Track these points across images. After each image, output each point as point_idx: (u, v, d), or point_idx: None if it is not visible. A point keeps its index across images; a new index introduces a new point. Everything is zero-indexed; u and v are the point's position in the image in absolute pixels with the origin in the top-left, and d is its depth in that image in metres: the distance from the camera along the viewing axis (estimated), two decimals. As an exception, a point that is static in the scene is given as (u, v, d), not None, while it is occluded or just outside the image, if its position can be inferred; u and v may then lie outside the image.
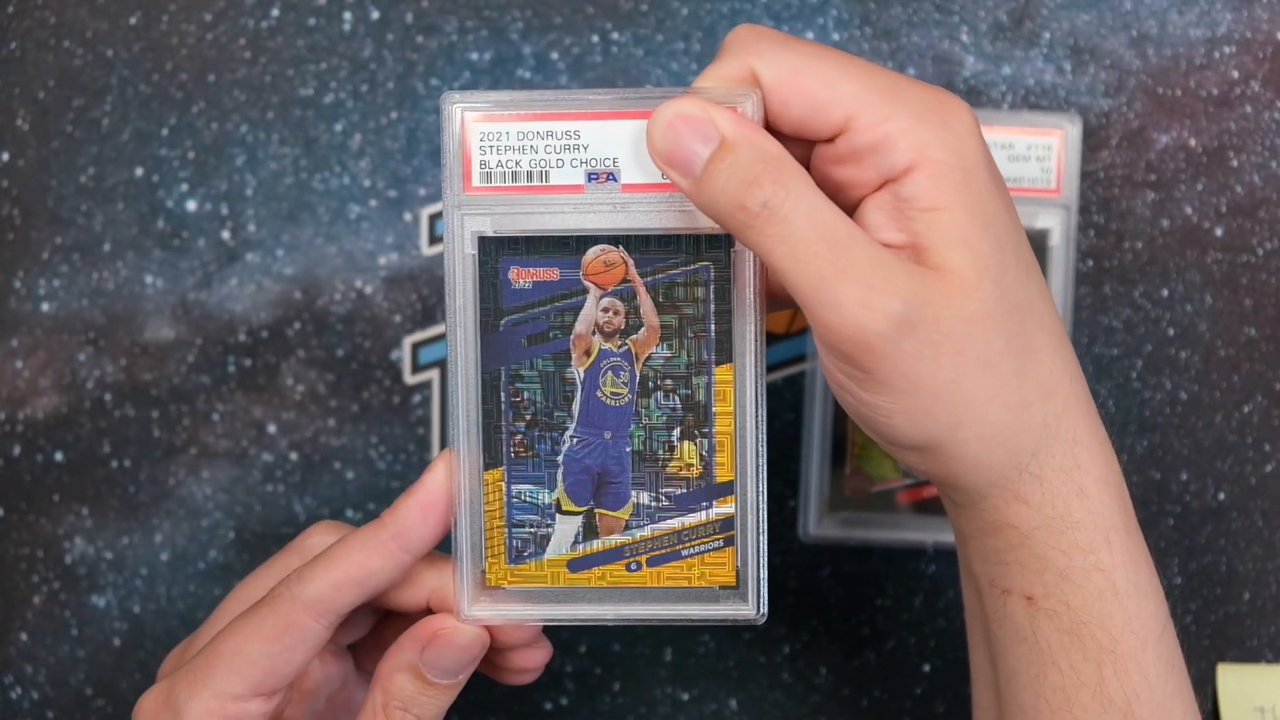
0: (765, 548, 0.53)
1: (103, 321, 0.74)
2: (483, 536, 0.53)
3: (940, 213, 0.48)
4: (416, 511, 0.52)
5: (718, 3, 0.74)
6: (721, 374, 0.52)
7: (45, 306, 0.74)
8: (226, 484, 0.75)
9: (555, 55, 0.74)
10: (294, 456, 0.75)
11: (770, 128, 0.49)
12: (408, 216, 0.74)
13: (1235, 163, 0.74)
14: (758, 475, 0.53)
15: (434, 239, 0.74)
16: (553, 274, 0.52)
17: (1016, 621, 0.52)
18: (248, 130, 0.74)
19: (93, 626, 0.75)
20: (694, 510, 0.53)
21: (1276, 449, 0.74)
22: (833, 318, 0.47)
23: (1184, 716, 0.52)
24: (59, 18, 0.74)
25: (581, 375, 0.53)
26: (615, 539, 0.53)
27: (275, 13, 0.74)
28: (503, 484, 0.53)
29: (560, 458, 0.53)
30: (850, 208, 0.50)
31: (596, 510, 0.53)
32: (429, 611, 0.55)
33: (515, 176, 0.52)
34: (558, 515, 0.53)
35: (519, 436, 0.53)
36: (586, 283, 0.52)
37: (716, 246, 0.52)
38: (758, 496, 0.53)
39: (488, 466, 0.53)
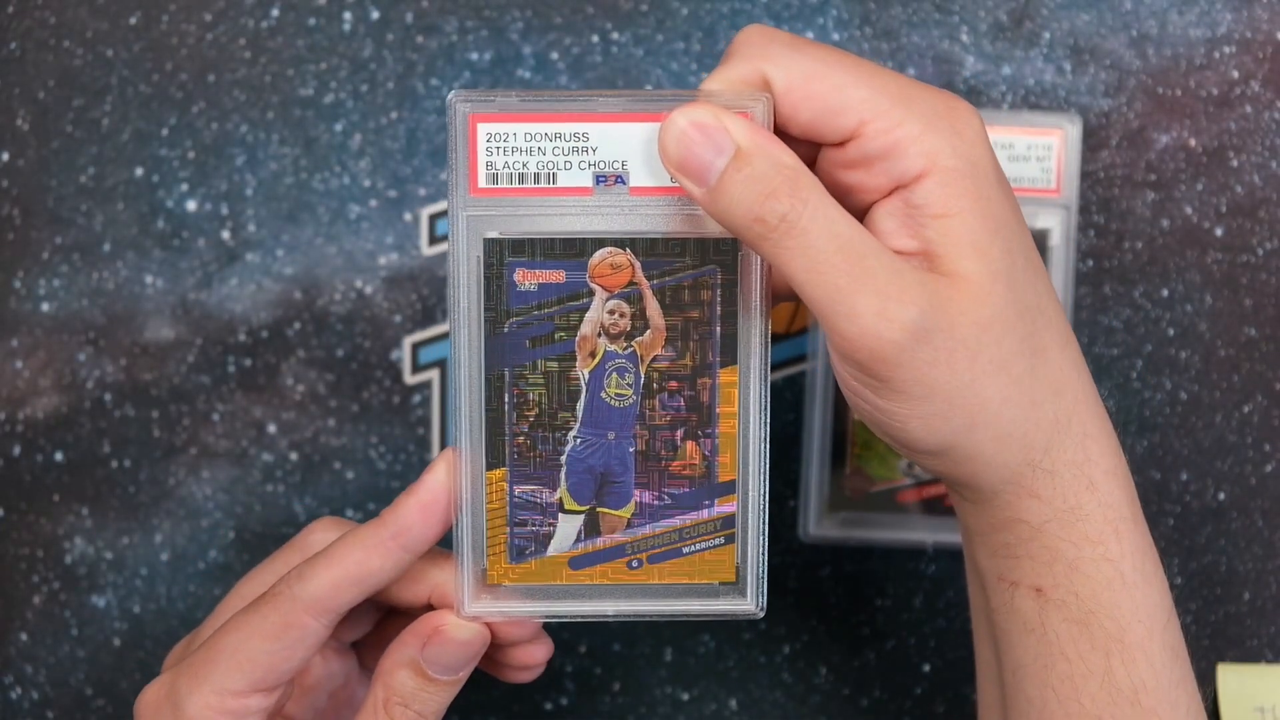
0: (765, 545, 0.53)
1: (103, 321, 0.74)
2: (484, 535, 0.53)
3: (952, 219, 0.48)
4: (416, 511, 0.52)
5: (718, 3, 0.74)
6: (726, 376, 0.52)
7: (45, 306, 0.74)
8: (226, 484, 0.75)
9: (555, 55, 0.74)
10: (294, 456, 0.74)
11: (779, 131, 0.49)
12: (408, 216, 0.74)
13: (1235, 163, 0.74)
14: (760, 475, 0.53)
15: (434, 239, 0.74)
16: (558, 276, 0.52)
17: (1024, 614, 0.52)
18: (248, 130, 0.74)
19: (93, 626, 0.75)
20: (696, 509, 0.53)
21: (1276, 449, 0.74)
22: (850, 328, 0.47)
23: (1189, 705, 0.52)
24: (59, 18, 0.74)
25: (586, 377, 0.52)
26: (617, 537, 0.53)
27: (275, 13, 0.74)
28: (505, 483, 0.53)
29: (563, 458, 0.53)
30: (857, 211, 0.50)
31: (598, 509, 0.53)
32: (430, 608, 0.55)
33: (522, 178, 0.51)
34: (560, 514, 0.53)
35: (522, 437, 0.53)
36: (593, 285, 0.52)
37: (724, 250, 0.52)
38: (759, 495, 0.53)
39: (490, 466, 0.53)
